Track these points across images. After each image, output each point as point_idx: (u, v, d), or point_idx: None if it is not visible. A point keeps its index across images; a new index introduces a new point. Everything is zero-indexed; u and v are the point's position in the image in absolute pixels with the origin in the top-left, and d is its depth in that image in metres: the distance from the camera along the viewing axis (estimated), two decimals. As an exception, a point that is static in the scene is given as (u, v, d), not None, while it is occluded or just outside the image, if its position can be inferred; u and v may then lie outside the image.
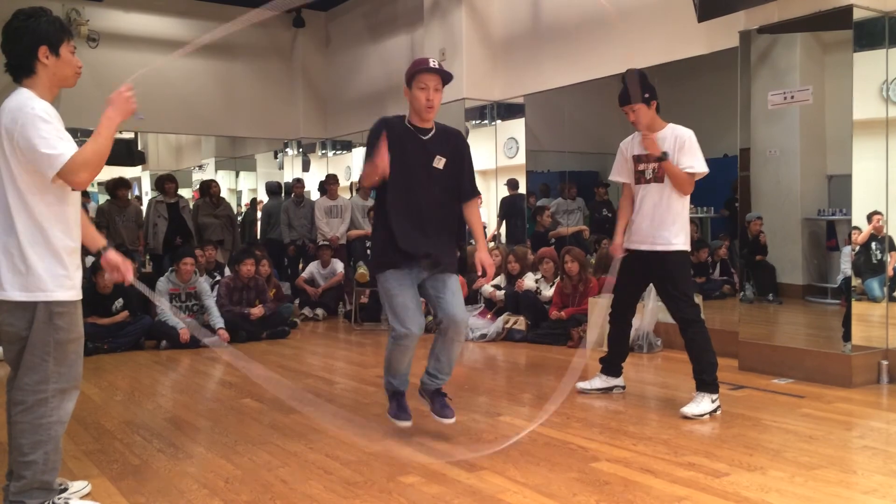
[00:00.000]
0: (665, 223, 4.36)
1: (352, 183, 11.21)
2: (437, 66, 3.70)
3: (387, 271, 3.74)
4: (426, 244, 3.72)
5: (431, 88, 3.68)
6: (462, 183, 3.87)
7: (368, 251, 8.51)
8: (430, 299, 3.80)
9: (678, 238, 4.35)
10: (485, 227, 9.09)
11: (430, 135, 3.78)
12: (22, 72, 2.81)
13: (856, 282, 5.23)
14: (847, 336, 5.04)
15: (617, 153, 4.65)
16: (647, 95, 4.38)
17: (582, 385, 4.85)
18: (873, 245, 5.28)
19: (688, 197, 4.39)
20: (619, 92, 4.49)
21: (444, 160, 3.78)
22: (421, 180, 3.74)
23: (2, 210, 2.78)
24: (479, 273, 3.83)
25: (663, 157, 4.30)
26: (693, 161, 4.31)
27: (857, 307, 5.18)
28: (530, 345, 6.79)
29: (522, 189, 8.68)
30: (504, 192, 8.80)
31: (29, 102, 2.72)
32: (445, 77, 3.73)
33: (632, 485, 3.15)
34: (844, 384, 4.87)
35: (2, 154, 2.75)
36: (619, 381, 4.81)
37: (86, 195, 12.85)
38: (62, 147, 2.68)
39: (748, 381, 5.06)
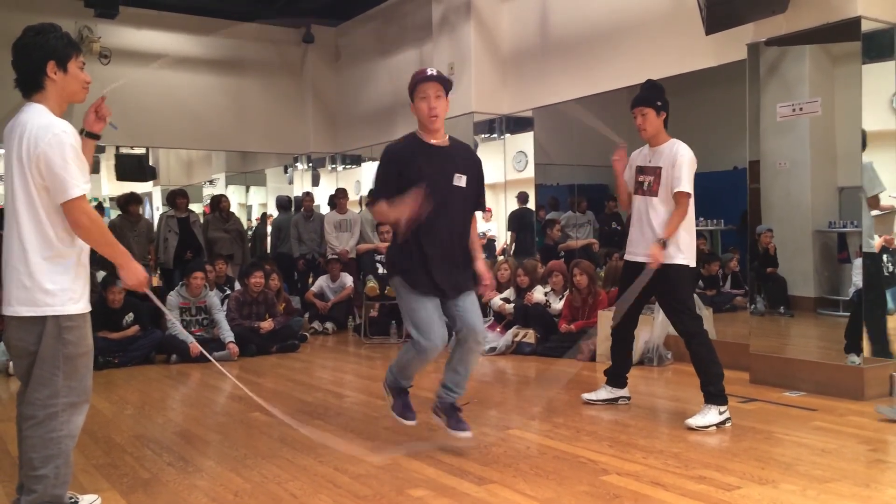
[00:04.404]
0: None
1: (361, 197, 11.25)
2: (434, 74, 3.67)
3: (404, 288, 3.71)
4: (453, 271, 3.71)
5: (432, 97, 3.65)
6: (478, 198, 3.88)
7: (378, 265, 8.52)
8: (447, 311, 3.78)
9: (679, 253, 4.32)
10: (494, 241, 9.18)
11: (446, 149, 3.74)
12: (31, 87, 2.85)
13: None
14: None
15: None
16: (659, 104, 4.40)
17: (588, 396, 4.84)
18: (885, 257, 5.25)
19: (691, 213, 4.37)
20: (631, 98, 4.51)
21: (464, 177, 3.74)
22: (444, 197, 3.67)
23: (11, 226, 2.80)
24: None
25: (662, 244, 4.28)
26: (680, 180, 4.29)
27: (869, 319, 5.14)
28: (540, 358, 6.77)
29: (532, 203, 8.68)
30: (513, 205, 8.81)
31: (57, 124, 2.76)
32: (445, 84, 3.69)
33: (642, 498, 3.13)
34: (856, 397, 4.83)
35: (18, 168, 2.76)
36: (624, 392, 4.80)
37: (100, 209, 12.94)
38: (81, 183, 2.74)
39: (759, 394, 5.03)
